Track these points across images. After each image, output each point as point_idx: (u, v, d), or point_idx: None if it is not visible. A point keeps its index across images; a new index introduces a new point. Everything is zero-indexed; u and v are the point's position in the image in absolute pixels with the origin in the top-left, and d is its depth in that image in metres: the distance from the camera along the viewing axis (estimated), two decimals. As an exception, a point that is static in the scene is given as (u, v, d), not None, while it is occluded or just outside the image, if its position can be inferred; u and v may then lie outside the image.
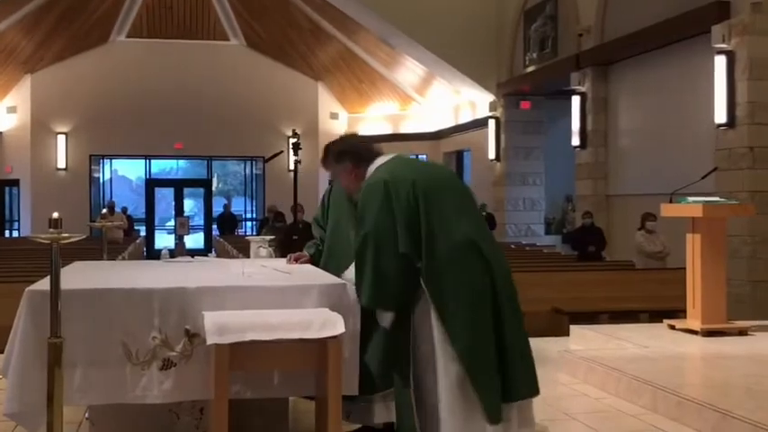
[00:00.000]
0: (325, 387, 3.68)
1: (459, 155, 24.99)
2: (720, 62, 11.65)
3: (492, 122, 20.15)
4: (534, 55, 18.27)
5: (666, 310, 8.35)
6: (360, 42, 24.00)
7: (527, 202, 20.04)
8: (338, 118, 27.61)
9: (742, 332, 7.26)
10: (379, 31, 21.39)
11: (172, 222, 25.76)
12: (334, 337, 3.67)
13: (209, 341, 3.61)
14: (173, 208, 26.42)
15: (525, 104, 19.51)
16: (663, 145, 13.85)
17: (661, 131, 14.00)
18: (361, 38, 23.54)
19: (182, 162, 28.45)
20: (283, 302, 3.89)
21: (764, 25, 11.42)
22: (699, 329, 7.17)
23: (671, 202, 7.79)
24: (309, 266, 4.72)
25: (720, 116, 11.67)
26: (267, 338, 3.62)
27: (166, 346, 3.78)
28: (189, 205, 27.66)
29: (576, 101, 16.03)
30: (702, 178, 8.28)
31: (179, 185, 26.95)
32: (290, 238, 11.91)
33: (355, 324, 3.91)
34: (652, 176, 13.76)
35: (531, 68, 18.49)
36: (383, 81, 25.66)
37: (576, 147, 16.27)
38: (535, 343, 7.61)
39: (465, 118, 23.00)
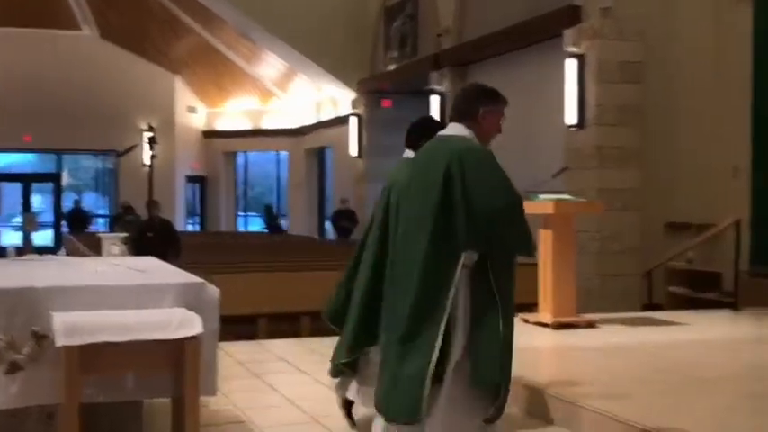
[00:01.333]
0: (182, 388, 3.59)
1: (320, 152, 24.98)
2: (571, 65, 12.09)
3: (354, 120, 20.24)
4: (395, 53, 18.47)
5: (520, 304, 8.56)
6: (220, 36, 23.61)
7: (387, 199, 20.21)
8: (196, 112, 27.10)
9: (590, 324, 7.57)
10: (239, 25, 21.11)
11: (19, 219, 24.63)
12: (193, 337, 3.58)
13: (58, 343, 3.46)
14: (20, 204, 25.28)
15: (386, 102, 19.69)
16: (518, 145, 14.26)
17: (517, 132, 14.35)
18: (221, 31, 23.16)
19: (30, 156, 27.23)
20: (138, 302, 3.78)
21: (613, 30, 11.94)
22: (550, 322, 7.43)
23: (525, 199, 8.01)
24: (166, 264, 4.59)
25: (571, 117, 12.13)
26: (121, 339, 3.51)
27: (12, 349, 3.60)
28: (37, 201, 26.53)
29: (435, 100, 16.30)
30: (554, 177, 8.58)
31: (27, 180, 25.84)
32: (144, 235, 11.57)
33: (213, 323, 3.83)
34: (508, 175, 14.13)
35: (392, 67, 18.68)
36: (244, 75, 25.35)
37: (434, 145, 16.54)
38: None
39: (327, 115, 23.02)
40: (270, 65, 23.89)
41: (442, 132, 3.86)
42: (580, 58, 12.05)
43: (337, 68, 20.01)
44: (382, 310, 3.91)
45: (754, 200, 11.05)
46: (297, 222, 25.05)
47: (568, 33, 12.28)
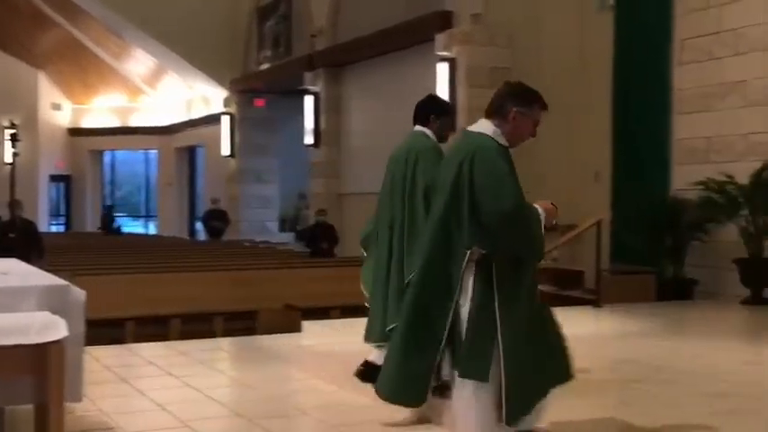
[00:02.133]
0: (46, 394, 3.46)
1: (191, 151, 24.54)
2: (442, 69, 12.32)
3: (226, 119, 19.99)
4: (268, 53, 18.35)
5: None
6: (87, 31, 22.86)
7: (261, 200, 20.09)
8: (61, 109, 26.15)
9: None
10: (107, 20, 20.50)
11: None
12: (56, 341, 3.45)
13: None
14: None
15: (259, 102, 19.55)
16: (391, 145, 14.39)
17: (390, 132, 14.55)
18: (88, 27, 22.43)
19: None
20: (-2, 305, 3.61)
21: (483, 35, 12.23)
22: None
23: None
24: (29, 266, 4.41)
25: (443, 120, 12.34)
26: (-21, 345, 3.34)
27: None
28: None
29: (309, 100, 16.29)
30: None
31: None
32: (5, 236, 11.08)
33: (79, 327, 3.71)
34: (381, 175, 14.25)
35: (265, 66, 18.55)
36: (111, 72, 24.63)
37: (309, 145, 16.54)
38: (268, 340, 7.66)
39: (198, 113, 22.64)
40: (139, 62, 23.31)
41: (469, 127, 3.86)
42: (451, 62, 12.28)
43: (209, 67, 19.73)
44: None
45: (614, 202, 11.54)
46: (167, 223, 24.53)
47: (440, 38, 12.50)
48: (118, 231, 22.66)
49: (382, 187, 5.04)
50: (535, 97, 3.82)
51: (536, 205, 3.80)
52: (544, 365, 3.71)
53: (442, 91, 12.28)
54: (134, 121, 25.65)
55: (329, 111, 16.04)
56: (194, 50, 19.34)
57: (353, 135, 15.91)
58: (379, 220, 5.00)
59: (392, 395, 3.81)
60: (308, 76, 16.35)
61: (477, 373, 3.53)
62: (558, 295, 10.59)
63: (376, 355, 4.89)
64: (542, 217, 3.75)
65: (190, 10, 18.92)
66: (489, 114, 3.79)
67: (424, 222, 4.35)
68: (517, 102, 3.75)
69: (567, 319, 8.53)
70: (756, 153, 9.89)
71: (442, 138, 4.94)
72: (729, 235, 9.98)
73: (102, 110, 26.06)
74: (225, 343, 7.89)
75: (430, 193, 4.41)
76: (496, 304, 3.54)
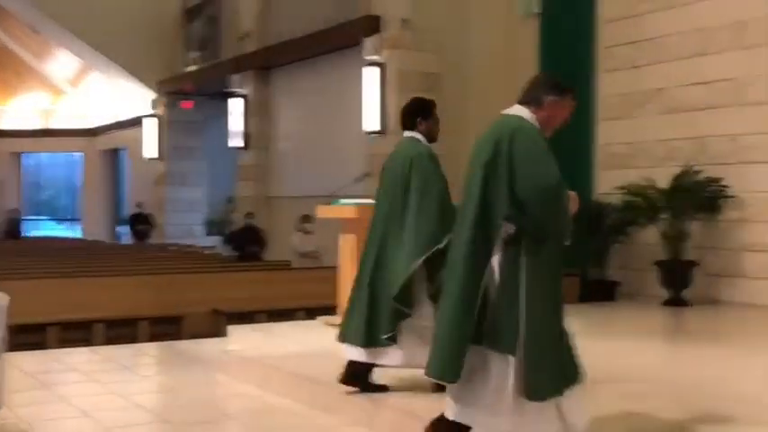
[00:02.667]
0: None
1: (116, 153, 24.11)
2: (371, 73, 12.36)
3: (152, 121, 19.69)
4: (196, 55, 18.15)
5: (322, 308, 8.65)
6: (5, 28, 22.27)
7: (188, 203, 19.84)
8: (-22, 110, 25.42)
9: (389, 326, 7.73)
10: (27, 18, 20.00)
11: None
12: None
13: None
14: None
15: (187, 104, 19.31)
16: (320, 149, 14.41)
17: (319, 136, 14.57)
18: (6, 23, 21.85)
19: None
20: None
21: (411, 40, 12.31)
22: (351, 325, 7.53)
23: (327, 204, 8.10)
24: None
25: (371, 124, 12.39)
26: None
27: None
28: None
29: (236, 103, 16.16)
30: (355, 182, 8.71)
31: None
32: None
33: (-1, 332, 3.61)
34: (310, 179, 14.26)
35: (192, 68, 18.34)
36: (31, 71, 24.03)
37: (237, 148, 16.41)
38: (193, 345, 7.58)
39: (124, 115, 22.25)
40: (62, 61, 22.80)
41: (504, 111, 4.00)
42: (381, 67, 12.33)
43: (135, 67, 19.39)
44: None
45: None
46: (91, 226, 24.03)
47: (368, 42, 12.54)
48: (16, 236, 21.75)
49: (376, 198, 5.14)
50: (568, 88, 4.02)
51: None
52: (562, 354, 3.79)
53: (371, 95, 12.31)
54: (57, 123, 25.07)
55: (257, 113, 15.94)
56: (120, 50, 18.99)
57: (282, 138, 15.84)
58: (371, 229, 5.05)
59: (441, 373, 3.79)
60: (235, 78, 16.22)
61: (506, 345, 3.62)
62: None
63: (357, 354, 4.92)
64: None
65: (115, 8, 18.57)
66: (523, 103, 3.96)
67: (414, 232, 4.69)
68: (552, 91, 3.94)
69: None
70: (676, 158, 10.17)
71: (432, 138, 5.07)
72: (650, 238, 10.23)
73: (22, 110, 25.39)
74: (150, 348, 7.78)
75: (423, 200, 4.69)
76: (523, 281, 3.64)
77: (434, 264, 4.59)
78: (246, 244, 13.94)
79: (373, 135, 12.39)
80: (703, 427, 4.37)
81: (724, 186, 9.60)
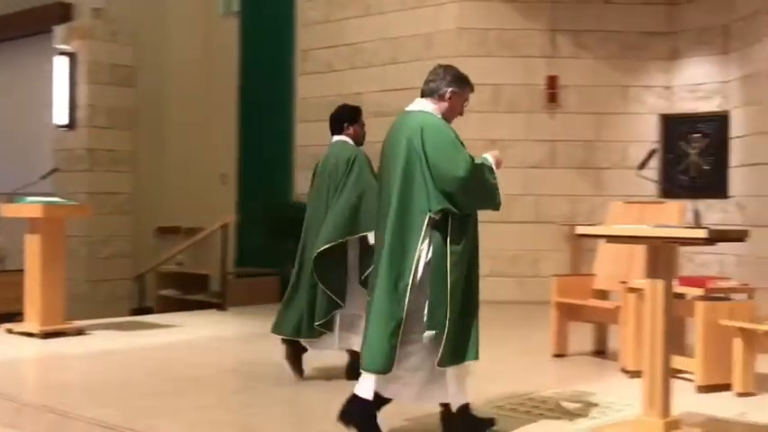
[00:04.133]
0: None
1: None
2: (61, 63, 11.65)
3: None
4: None
5: (6, 314, 8.05)
6: None
7: None
8: None
9: (80, 332, 7.34)
10: None
11: None
12: None
13: None
14: None
15: None
16: (3, 144, 13.34)
17: (2, 129, 13.47)
18: None
19: None
20: None
21: (104, 31, 11.75)
22: (37, 331, 7.05)
23: (11, 202, 7.55)
24: None
25: (60, 117, 11.68)
26: None
27: None
28: None
29: None
30: (42, 178, 8.17)
31: None
32: None
33: None
34: (15, 174, 13.13)
35: None
36: None
37: None
38: None
39: None
40: None
41: (408, 107, 4.22)
42: (71, 57, 11.67)
43: None
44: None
45: (240, 205, 11.71)
46: None
47: (58, 30, 11.82)
48: None
49: (309, 201, 5.57)
50: (467, 79, 4.24)
51: (485, 156, 4.13)
52: (475, 331, 3.99)
53: (61, 86, 11.61)
54: None
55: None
56: None
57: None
58: (307, 228, 5.47)
59: (379, 366, 3.88)
60: None
61: (435, 325, 3.85)
62: (182, 299, 10.49)
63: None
64: (494, 165, 4.10)
65: None
66: (426, 95, 4.19)
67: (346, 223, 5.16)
68: (453, 83, 4.16)
69: (192, 324, 8.51)
70: (376, 161, 10.55)
71: (359, 141, 5.51)
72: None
73: None
74: None
75: (351, 194, 5.19)
76: (449, 267, 3.86)
77: (366, 251, 5.05)
78: None
79: (62, 129, 11.68)
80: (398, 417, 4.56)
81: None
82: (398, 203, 3.94)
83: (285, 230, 10.64)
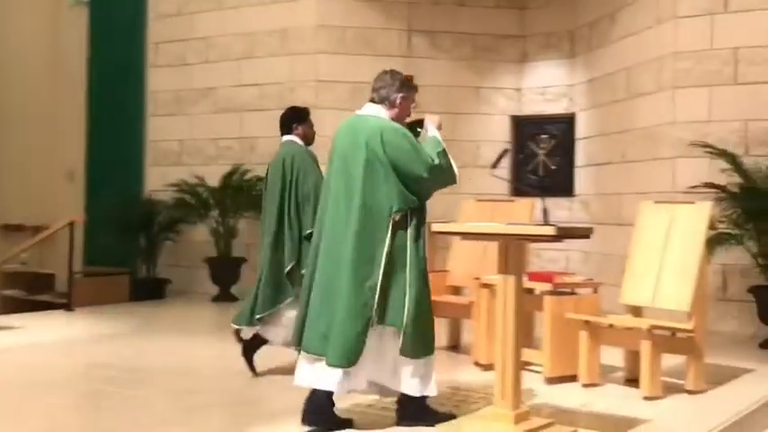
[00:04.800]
0: None
1: None
2: None
3: None
4: None
5: None
6: None
7: None
8: None
9: None
10: None
11: None
12: None
13: None
14: None
15: None
16: None
17: None
18: None
19: None
20: None
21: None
22: None
23: None
24: None
25: None
26: None
27: None
28: None
29: None
30: None
31: None
32: None
33: None
34: None
35: None
36: None
37: None
38: None
39: None
40: None
41: (359, 112, 4.33)
42: None
43: None
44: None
45: (89, 202, 11.31)
46: None
47: None
48: None
49: (263, 197, 5.75)
50: (412, 82, 4.42)
51: (433, 134, 4.33)
52: (431, 324, 4.21)
53: None
54: None
55: None
56: None
57: None
58: (263, 225, 5.64)
59: (343, 360, 4.01)
60: None
61: (396, 319, 4.04)
62: (27, 300, 10.05)
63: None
64: (439, 134, 4.33)
65: None
66: (377, 102, 4.32)
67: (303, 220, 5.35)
68: (401, 89, 4.32)
69: (38, 325, 8.15)
70: (226, 157, 10.45)
71: (308, 141, 5.68)
72: (201, 235, 10.38)
73: None
74: None
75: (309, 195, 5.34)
76: (411, 263, 4.08)
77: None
78: None
79: None
80: (253, 417, 4.50)
81: (271, 186, 10.05)
82: (361, 205, 4.09)
83: (136, 228, 10.37)
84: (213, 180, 10.06)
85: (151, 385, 5.35)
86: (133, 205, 10.51)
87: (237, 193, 9.95)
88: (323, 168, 4.60)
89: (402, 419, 4.26)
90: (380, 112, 4.28)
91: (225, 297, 9.83)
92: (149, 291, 10.17)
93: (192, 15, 10.83)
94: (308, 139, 5.69)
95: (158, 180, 10.77)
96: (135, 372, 5.44)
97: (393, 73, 4.39)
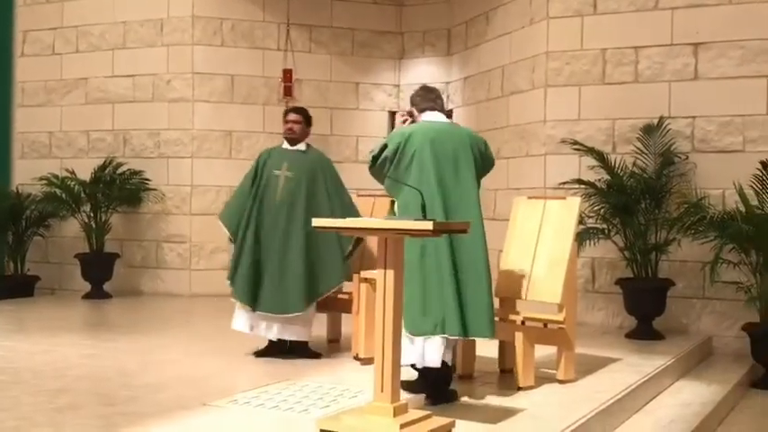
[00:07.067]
0: None
1: None
2: None
3: None
4: None
5: None
6: None
7: None
8: None
9: None
10: None
11: None
12: None
13: None
14: None
15: None
16: None
17: None
18: None
19: None
20: None
21: None
22: None
23: None
24: None
25: None
26: None
27: None
28: None
29: None
30: None
31: None
32: None
33: None
34: None
35: None
36: None
37: None
38: None
39: None
40: None
41: (438, 119, 5.02)
42: None
43: None
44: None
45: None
46: None
47: None
48: None
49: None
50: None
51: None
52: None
53: None
54: None
55: None
56: None
57: None
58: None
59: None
60: None
61: None
62: None
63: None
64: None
65: None
66: (443, 111, 5.08)
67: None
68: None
69: None
70: (98, 150, 10.15)
71: (284, 135, 6.23)
72: (72, 230, 10.06)
73: None
74: None
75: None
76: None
77: None
78: None
79: None
80: (124, 417, 4.40)
81: (146, 180, 9.83)
82: (476, 197, 4.87)
83: (3, 223, 9.95)
84: (85, 173, 9.75)
85: (20, 385, 5.15)
86: (0, 199, 10.08)
87: (110, 187, 9.69)
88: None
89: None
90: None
91: (97, 294, 9.55)
92: (17, 288, 9.79)
93: (62, 2, 10.46)
94: (284, 134, 6.23)
95: (27, 173, 10.37)
96: (2, 373, 5.22)
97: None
